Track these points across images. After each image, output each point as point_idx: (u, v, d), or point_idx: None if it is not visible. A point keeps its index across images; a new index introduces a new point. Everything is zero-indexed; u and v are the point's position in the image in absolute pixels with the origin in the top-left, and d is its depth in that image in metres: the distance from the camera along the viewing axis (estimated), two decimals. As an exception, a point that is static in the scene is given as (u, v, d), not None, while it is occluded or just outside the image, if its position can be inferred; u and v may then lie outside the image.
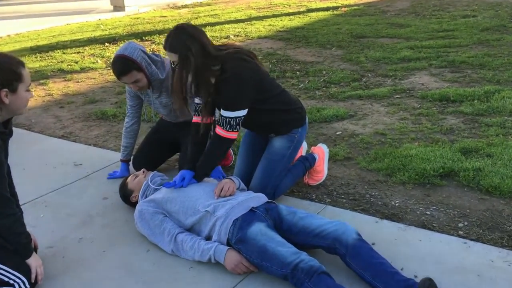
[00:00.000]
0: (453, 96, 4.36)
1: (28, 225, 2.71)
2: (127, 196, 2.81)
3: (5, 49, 8.13)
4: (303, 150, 3.13)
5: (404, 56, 5.87)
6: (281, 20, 9.01)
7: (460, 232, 2.45)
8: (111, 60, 2.87)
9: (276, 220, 2.35)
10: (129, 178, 2.83)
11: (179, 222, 2.48)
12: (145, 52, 2.88)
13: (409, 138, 3.61)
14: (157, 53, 3.13)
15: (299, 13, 9.71)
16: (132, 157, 3.27)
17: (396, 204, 2.75)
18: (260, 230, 2.22)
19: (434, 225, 2.52)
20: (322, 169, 3.03)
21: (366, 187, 2.98)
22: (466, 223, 2.53)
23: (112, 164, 3.47)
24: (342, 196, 2.89)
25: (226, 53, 2.51)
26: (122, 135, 3.24)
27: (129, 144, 3.23)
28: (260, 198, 2.47)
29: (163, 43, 2.49)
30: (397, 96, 4.59)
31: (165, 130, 3.28)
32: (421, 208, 2.69)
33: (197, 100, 2.69)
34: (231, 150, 3.43)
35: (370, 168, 3.20)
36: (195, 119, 2.70)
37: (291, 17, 9.30)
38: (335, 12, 9.60)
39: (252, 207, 2.36)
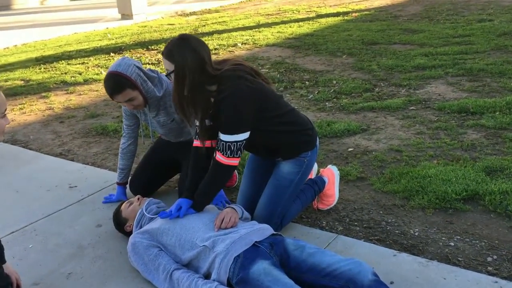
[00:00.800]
0: (472, 107, 4.09)
1: (15, 257, 2.54)
2: (121, 225, 2.59)
3: (11, 59, 8.01)
4: (313, 172, 2.88)
5: (418, 63, 5.61)
6: (290, 27, 8.79)
7: (489, 268, 2.19)
8: (104, 78, 2.65)
9: (282, 256, 2.11)
10: (123, 205, 2.62)
11: (176, 256, 2.25)
12: (140, 68, 2.66)
13: (427, 155, 3.35)
14: (155, 69, 2.91)
15: (308, 19, 9.49)
16: (129, 180, 3.05)
17: (416, 233, 2.49)
18: (264, 269, 1.99)
19: (459, 259, 2.27)
20: (333, 193, 2.79)
21: (381, 212, 2.73)
22: (495, 256, 2.27)
23: (109, 186, 3.26)
24: (356, 223, 2.65)
25: (224, 71, 2.29)
26: (119, 157, 3.03)
27: (125, 166, 3.02)
28: (264, 231, 2.23)
29: (163, 49, 2.30)
30: (412, 107, 4.33)
31: (164, 150, 3.07)
32: (443, 238, 2.43)
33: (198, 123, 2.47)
34: (235, 171, 3.20)
35: (385, 190, 2.94)
36: (196, 143, 2.47)
37: (300, 23, 9.08)
38: (345, 17, 9.36)
39: (255, 242, 2.13)
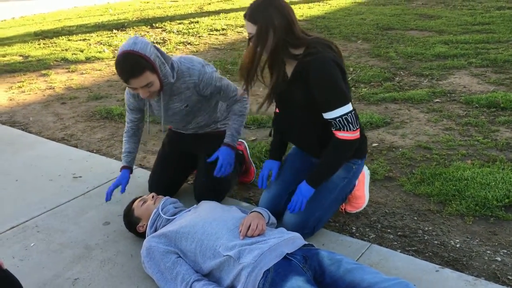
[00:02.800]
0: (503, 102, 3.84)
1: (16, 257, 2.31)
2: (132, 225, 2.35)
3: (9, 33, 7.68)
4: (366, 176, 2.59)
5: (439, 52, 5.34)
6: (299, 8, 8.46)
7: (545, 290, 1.98)
8: (116, 59, 2.26)
9: (316, 271, 1.88)
10: (136, 203, 2.38)
11: (196, 264, 2.02)
12: (157, 48, 2.34)
13: (459, 155, 3.12)
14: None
15: (318, 0, 9.15)
16: (148, 181, 2.76)
17: (457, 245, 2.27)
18: (298, 287, 1.76)
19: (509, 277, 2.05)
20: (362, 194, 2.56)
21: (416, 218, 2.50)
22: (548, 276, 2.05)
23: (115, 177, 2.99)
24: (389, 230, 2.42)
25: (313, 37, 2.13)
26: (123, 141, 2.69)
27: (132, 150, 2.66)
28: (295, 241, 1.99)
29: (246, 11, 2.11)
30: (437, 100, 4.08)
31: (180, 145, 2.79)
32: (488, 252, 2.21)
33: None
34: (253, 166, 2.96)
35: (417, 193, 2.72)
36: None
37: (310, 4, 8.76)
38: (357, 0, 9.03)
39: (287, 254, 1.90)
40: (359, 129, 2.19)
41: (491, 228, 2.38)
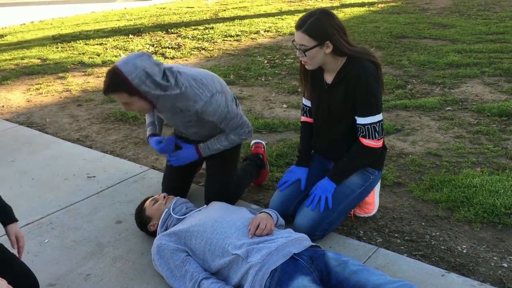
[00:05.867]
0: (515, 111, 3.84)
1: (30, 253, 2.38)
2: (144, 224, 2.41)
3: (28, 36, 7.84)
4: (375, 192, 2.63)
5: (452, 61, 5.34)
6: (314, 16, 8.51)
7: (550, 297, 1.99)
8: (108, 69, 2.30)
9: (322, 272, 1.91)
10: (147, 202, 2.43)
11: (205, 262, 2.07)
12: (149, 75, 2.20)
13: (469, 162, 3.12)
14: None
15: (332, 8, 9.19)
16: (162, 183, 2.79)
17: (464, 251, 2.28)
18: (304, 287, 1.79)
19: (515, 283, 2.06)
20: (372, 201, 2.58)
21: (423, 224, 2.52)
22: (555, 283, 2.06)
23: (129, 178, 3.08)
24: (396, 234, 2.44)
25: (357, 46, 2.26)
26: (147, 116, 2.77)
27: (155, 119, 2.73)
28: (302, 241, 2.03)
29: (297, 22, 2.19)
30: (448, 108, 4.09)
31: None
32: (495, 258, 2.22)
33: (305, 102, 2.55)
34: (268, 168, 3.00)
35: (426, 199, 2.73)
36: (304, 118, 2.60)
37: (324, 12, 8.80)
38: (371, 8, 9.07)
39: (294, 254, 1.94)
40: (383, 139, 2.31)
41: (499, 235, 2.39)
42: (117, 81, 2.20)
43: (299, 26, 2.18)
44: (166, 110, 2.43)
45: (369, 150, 2.31)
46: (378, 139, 2.29)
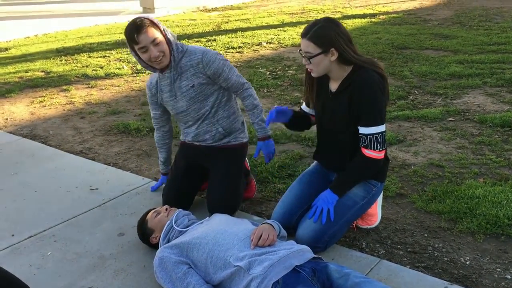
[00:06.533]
0: (517, 121, 3.84)
1: (33, 266, 2.38)
2: (146, 236, 2.41)
3: (32, 49, 7.91)
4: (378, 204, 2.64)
5: (453, 71, 5.35)
6: (316, 27, 8.55)
7: (555, 309, 1.97)
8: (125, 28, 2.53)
9: (325, 284, 1.91)
10: (149, 214, 2.44)
11: (207, 275, 2.06)
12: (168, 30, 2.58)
13: (472, 173, 3.12)
14: None
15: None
16: (163, 195, 2.83)
17: (467, 262, 2.27)
18: (306, 299, 1.79)
19: (518, 295, 2.05)
20: (375, 212, 2.58)
21: (426, 235, 2.51)
22: (559, 295, 2.05)
23: (131, 190, 3.09)
24: (399, 246, 2.43)
25: (364, 58, 2.26)
26: (157, 150, 3.00)
27: (165, 158, 2.99)
28: (304, 253, 2.03)
29: (303, 30, 2.22)
30: (450, 119, 4.10)
31: (191, 158, 2.85)
32: (498, 270, 2.21)
33: (303, 107, 2.58)
34: (254, 182, 3.00)
35: (428, 210, 2.73)
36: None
37: (326, 24, 8.84)
38: (372, 19, 9.10)
39: (296, 266, 1.93)
40: (384, 151, 2.30)
41: (502, 246, 2.38)
42: (144, 20, 2.43)
43: (305, 34, 2.21)
44: (175, 68, 2.59)
45: (371, 161, 2.30)
46: (380, 150, 2.28)
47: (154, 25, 2.48)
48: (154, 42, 2.45)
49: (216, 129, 2.72)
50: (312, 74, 2.31)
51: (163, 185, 2.95)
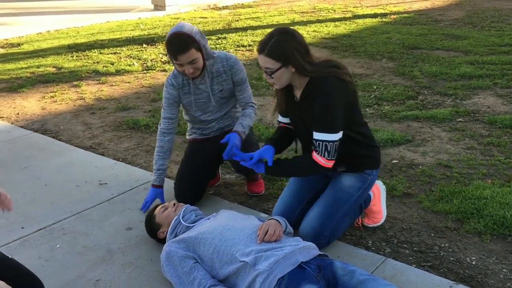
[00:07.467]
0: (527, 123, 3.82)
1: (42, 258, 2.41)
2: (153, 231, 2.44)
3: (44, 45, 7.98)
4: (380, 190, 2.65)
5: (464, 72, 5.33)
6: (326, 26, 8.54)
7: (560, 310, 1.97)
8: (167, 40, 2.57)
9: (330, 281, 1.92)
10: (157, 210, 2.46)
11: (213, 269, 2.08)
12: (200, 32, 2.63)
13: (480, 174, 3.11)
14: None
15: (344, 19, 9.22)
16: (174, 187, 2.86)
17: (473, 262, 2.27)
18: (311, 295, 1.80)
19: (524, 296, 2.05)
20: (379, 209, 2.59)
21: (433, 235, 2.51)
22: None
23: (140, 185, 3.12)
24: (405, 245, 2.44)
25: (320, 62, 2.21)
26: (156, 156, 2.82)
27: (164, 166, 2.82)
28: (310, 250, 2.04)
29: (258, 46, 2.20)
30: (460, 119, 4.08)
31: (201, 152, 2.90)
32: (504, 270, 2.21)
33: (280, 119, 2.51)
34: (262, 179, 3.02)
35: (435, 210, 2.73)
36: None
37: (336, 23, 8.82)
38: (383, 19, 9.07)
39: (301, 263, 1.95)
40: (333, 161, 2.22)
41: (509, 247, 2.38)
42: (185, 41, 2.51)
43: (261, 50, 2.17)
44: (207, 74, 2.71)
45: (315, 165, 2.22)
46: (328, 159, 2.20)
47: (196, 42, 2.54)
48: (192, 62, 2.56)
49: (232, 121, 2.92)
50: (276, 87, 2.30)
51: (154, 202, 2.81)
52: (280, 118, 2.50)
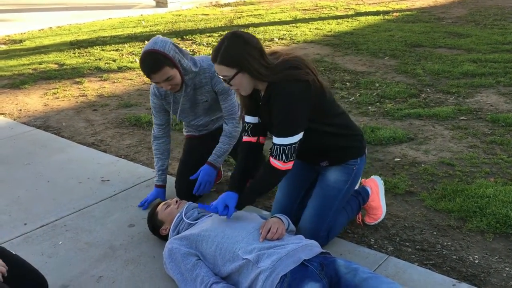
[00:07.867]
0: (530, 122, 3.81)
1: (44, 254, 2.42)
2: (156, 228, 2.44)
3: (46, 42, 7.98)
4: (378, 185, 2.65)
5: (466, 70, 5.32)
6: (328, 24, 8.53)
7: None
8: (140, 57, 2.52)
9: (332, 279, 1.92)
10: (160, 207, 2.46)
11: (215, 267, 2.08)
12: (176, 46, 2.55)
13: (483, 172, 3.11)
14: (198, 54, 2.80)
15: (347, 16, 9.20)
16: (175, 188, 2.87)
17: (476, 261, 2.27)
18: (313, 293, 1.80)
19: (527, 295, 2.04)
20: (379, 205, 2.58)
21: (435, 233, 2.51)
22: None
23: (142, 182, 3.12)
24: (407, 243, 2.44)
25: (277, 64, 2.11)
26: (155, 158, 2.86)
27: (164, 166, 2.85)
28: (313, 248, 2.04)
29: (211, 54, 2.12)
30: (462, 117, 4.07)
31: (199, 148, 2.91)
32: (507, 269, 2.21)
33: (248, 119, 2.33)
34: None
35: (438, 208, 2.72)
36: (246, 138, 2.35)
37: (338, 20, 8.81)
38: (386, 17, 9.05)
39: (304, 260, 1.95)
40: (292, 162, 2.17)
41: (511, 246, 2.37)
42: (157, 59, 2.43)
43: (214, 58, 2.10)
44: (189, 86, 2.66)
45: (274, 170, 2.17)
46: (285, 162, 2.15)
47: (168, 60, 2.46)
48: (168, 79, 2.50)
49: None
50: (241, 93, 2.21)
51: (155, 200, 2.83)
52: (248, 119, 2.34)
